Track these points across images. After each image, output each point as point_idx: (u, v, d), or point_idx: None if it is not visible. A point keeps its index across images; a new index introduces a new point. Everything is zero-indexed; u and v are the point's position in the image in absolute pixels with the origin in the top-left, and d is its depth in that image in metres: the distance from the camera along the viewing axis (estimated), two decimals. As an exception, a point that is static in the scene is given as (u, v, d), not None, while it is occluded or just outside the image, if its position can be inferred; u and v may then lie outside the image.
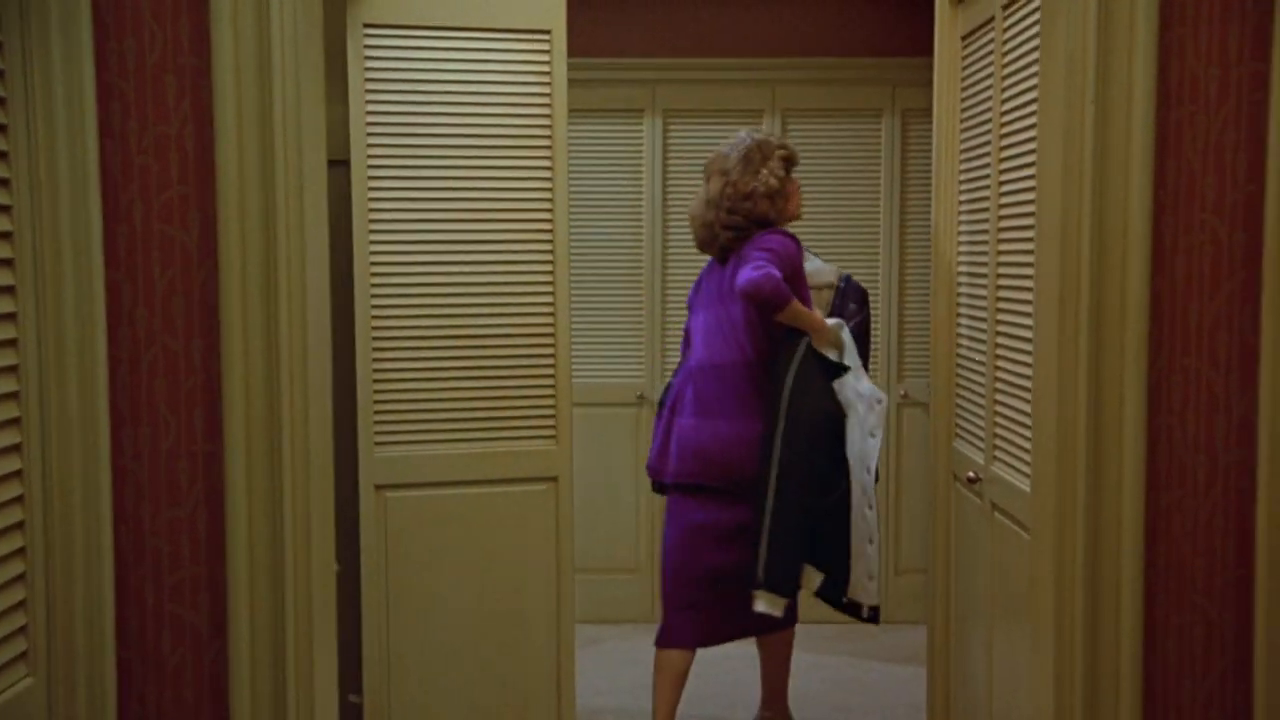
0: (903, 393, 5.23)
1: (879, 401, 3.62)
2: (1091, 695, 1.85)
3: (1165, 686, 1.89)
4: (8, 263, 1.82)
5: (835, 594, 3.66)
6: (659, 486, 3.88)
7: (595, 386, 5.20)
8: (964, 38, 3.36)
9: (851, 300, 3.94)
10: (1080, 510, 1.81)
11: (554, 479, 3.50)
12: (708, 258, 3.84)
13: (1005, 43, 2.90)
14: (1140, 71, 1.68)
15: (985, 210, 3.09)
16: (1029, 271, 2.53)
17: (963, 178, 3.39)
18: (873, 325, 4.55)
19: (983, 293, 3.12)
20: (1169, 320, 1.81)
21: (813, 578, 3.63)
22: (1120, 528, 1.80)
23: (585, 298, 5.15)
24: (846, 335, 3.66)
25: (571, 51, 5.02)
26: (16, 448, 1.83)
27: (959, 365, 3.44)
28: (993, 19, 3.00)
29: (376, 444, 3.34)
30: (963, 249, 3.39)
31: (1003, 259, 2.90)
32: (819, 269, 3.95)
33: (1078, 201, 1.73)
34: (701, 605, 3.69)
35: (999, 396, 2.93)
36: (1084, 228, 1.73)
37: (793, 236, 3.67)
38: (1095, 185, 1.72)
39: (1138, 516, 1.82)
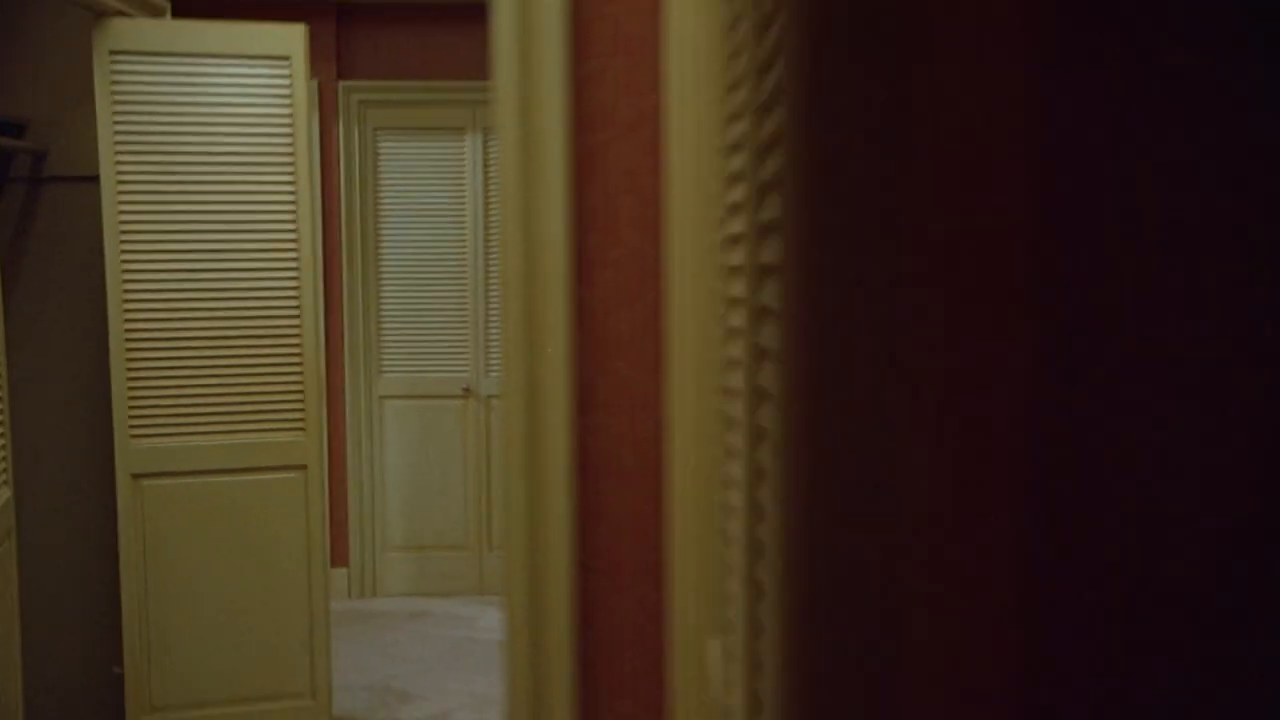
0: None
1: None
2: (534, 686, 2.06)
3: (598, 673, 2.09)
4: None
5: None
6: None
7: (424, 380, 5.52)
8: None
9: None
10: (522, 511, 2.05)
11: (303, 467, 3.81)
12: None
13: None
14: (554, 99, 1.94)
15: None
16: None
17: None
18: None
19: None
20: (599, 327, 2.05)
21: None
22: (551, 524, 2.03)
23: (412, 298, 5.47)
24: None
25: (399, 75, 5.39)
26: None
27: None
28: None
29: (132, 436, 3.65)
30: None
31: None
32: None
33: (510, 219, 2.00)
34: None
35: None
36: (515, 243, 1.99)
37: None
38: (523, 204, 1.98)
39: (566, 513, 2.05)
